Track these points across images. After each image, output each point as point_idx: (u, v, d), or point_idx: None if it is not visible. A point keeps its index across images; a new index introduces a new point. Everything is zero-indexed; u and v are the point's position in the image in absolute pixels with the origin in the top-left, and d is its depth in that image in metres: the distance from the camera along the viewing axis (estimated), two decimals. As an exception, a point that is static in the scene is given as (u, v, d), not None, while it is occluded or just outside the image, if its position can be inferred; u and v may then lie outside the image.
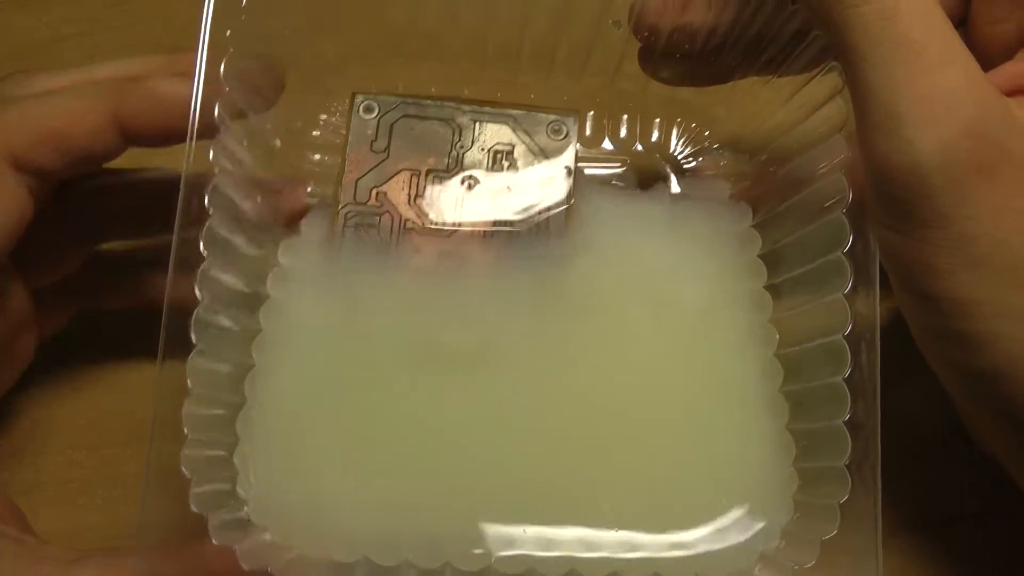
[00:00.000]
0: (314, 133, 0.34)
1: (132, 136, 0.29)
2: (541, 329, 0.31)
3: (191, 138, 0.27)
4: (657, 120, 0.35)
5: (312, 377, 0.30)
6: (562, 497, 0.29)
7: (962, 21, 0.30)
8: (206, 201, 0.27)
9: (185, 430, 0.26)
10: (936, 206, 0.24)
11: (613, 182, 0.34)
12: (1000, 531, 0.33)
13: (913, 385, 0.30)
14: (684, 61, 0.32)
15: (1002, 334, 0.25)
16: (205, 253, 0.26)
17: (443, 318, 0.31)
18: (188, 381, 0.26)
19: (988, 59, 0.28)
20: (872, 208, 0.27)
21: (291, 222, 0.32)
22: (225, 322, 0.28)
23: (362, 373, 0.30)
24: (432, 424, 0.29)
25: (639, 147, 0.35)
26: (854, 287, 0.28)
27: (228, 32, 0.28)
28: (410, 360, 0.30)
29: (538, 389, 0.30)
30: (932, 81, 0.24)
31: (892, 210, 0.25)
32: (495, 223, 0.32)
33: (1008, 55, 0.28)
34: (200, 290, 0.26)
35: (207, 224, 0.27)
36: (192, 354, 0.26)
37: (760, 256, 0.32)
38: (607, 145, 0.35)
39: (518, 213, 0.32)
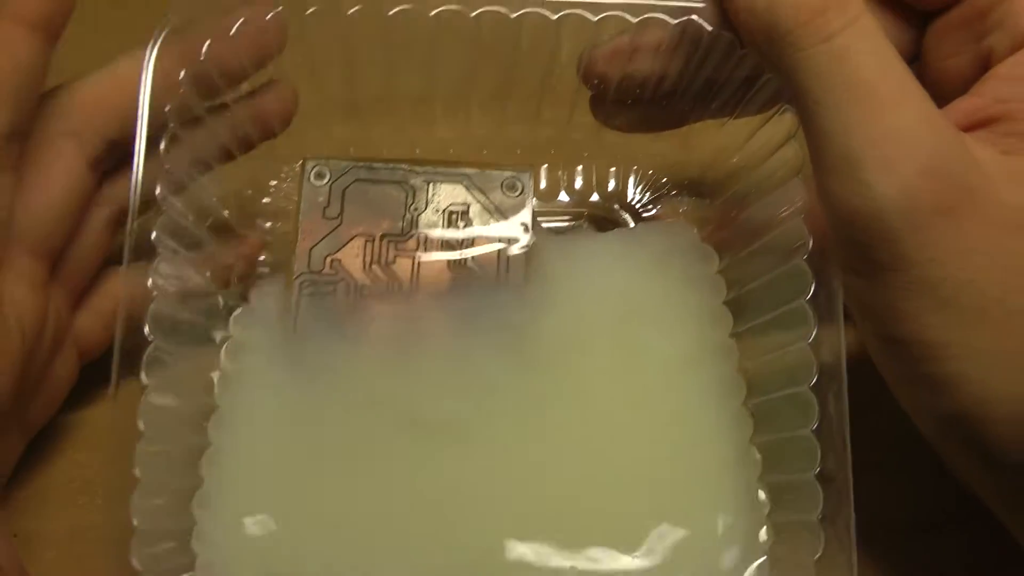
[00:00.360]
0: (264, 200, 0.33)
1: None
2: (505, 391, 0.30)
3: (132, 217, 0.27)
4: (613, 168, 0.34)
5: (270, 453, 0.29)
6: (533, 562, 0.28)
7: (915, 57, 0.30)
8: (150, 282, 0.27)
9: (135, 522, 0.26)
10: (898, 250, 0.24)
11: (571, 234, 0.33)
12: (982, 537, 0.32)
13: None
14: (636, 107, 0.31)
15: (969, 376, 0.24)
16: (151, 338, 0.26)
17: (406, 387, 0.30)
18: (136, 471, 0.26)
19: (943, 94, 0.28)
20: (835, 252, 0.26)
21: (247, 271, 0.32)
22: (171, 402, 0.28)
23: (322, 448, 0.29)
24: (398, 496, 0.29)
25: (596, 197, 0.34)
26: (819, 335, 0.27)
27: (167, 107, 0.27)
28: (372, 432, 0.29)
29: (506, 455, 0.29)
30: (886, 122, 0.24)
31: (854, 254, 0.25)
32: (453, 284, 0.31)
33: (963, 89, 0.28)
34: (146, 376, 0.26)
35: (151, 310, 0.26)
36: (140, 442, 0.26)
37: (725, 302, 0.31)
38: (563, 197, 0.34)
39: (476, 273, 0.31)
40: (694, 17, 0.28)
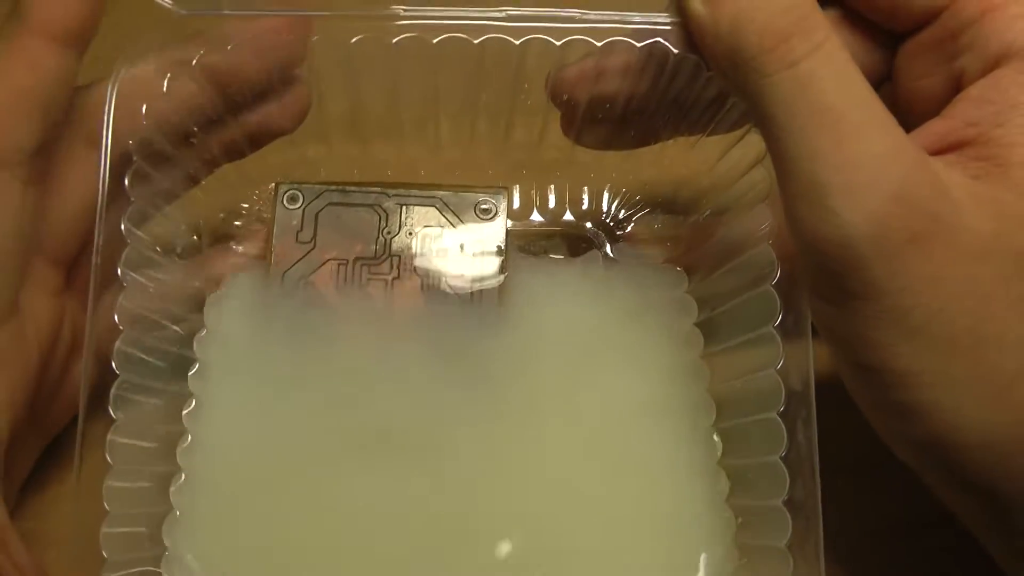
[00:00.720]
0: (236, 223, 0.33)
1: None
2: (475, 413, 0.30)
3: (96, 252, 0.27)
4: (586, 187, 0.34)
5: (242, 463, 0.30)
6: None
7: (887, 77, 0.29)
8: (116, 319, 0.27)
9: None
10: (868, 278, 0.24)
11: (544, 255, 0.33)
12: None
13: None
14: (605, 125, 0.31)
15: (942, 404, 0.24)
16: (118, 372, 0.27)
17: (375, 406, 0.30)
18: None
19: (915, 115, 0.28)
20: (803, 277, 0.26)
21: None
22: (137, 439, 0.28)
23: (285, 463, 0.30)
24: (359, 510, 0.29)
25: (569, 216, 0.34)
26: (787, 361, 0.27)
27: (131, 142, 0.27)
28: (337, 446, 0.30)
29: (472, 476, 0.29)
30: (853, 149, 0.24)
31: (823, 281, 0.25)
32: (426, 307, 0.31)
33: (935, 110, 0.27)
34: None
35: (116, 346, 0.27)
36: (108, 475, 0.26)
37: (697, 323, 0.31)
38: (536, 217, 0.34)
39: (449, 296, 0.31)
40: (660, 40, 0.27)
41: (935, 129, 0.27)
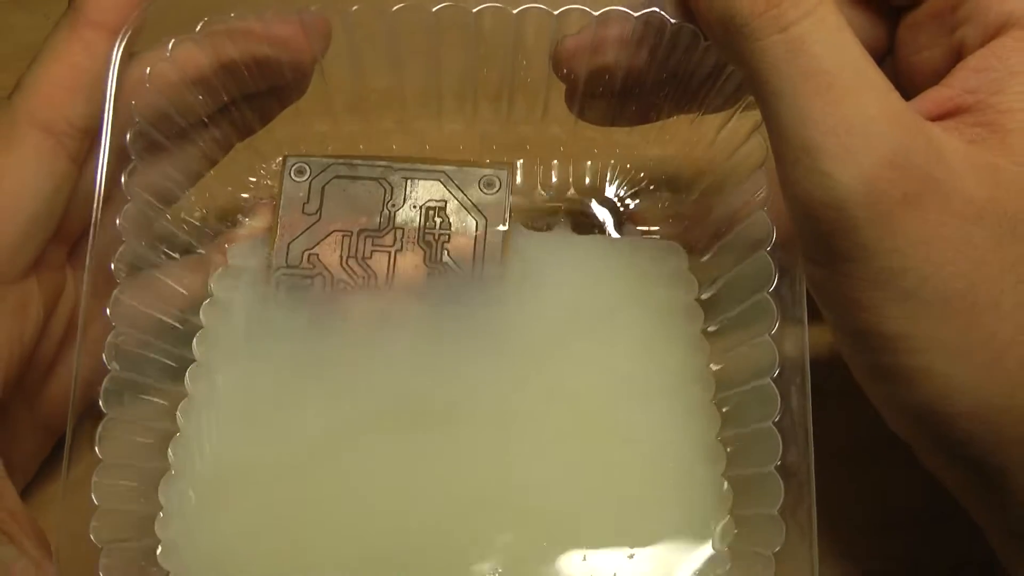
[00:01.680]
0: (243, 195, 0.34)
1: None
2: (475, 386, 0.30)
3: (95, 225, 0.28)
4: (590, 163, 0.34)
5: (240, 451, 0.30)
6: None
7: (889, 52, 0.29)
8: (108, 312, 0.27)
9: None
10: (860, 240, 0.24)
11: (548, 230, 0.33)
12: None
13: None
14: (605, 99, 0.31)
15: (933, 370, 0.24)
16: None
17: (380, 379, 0.30)
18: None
19: (916, 88, 0.27)
20: (798, 243, 0.26)
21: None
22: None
23: (291, 448, 0.30)
24: (370, 488, 0.29)
25: (573, 192, 0.34)
26: (782, 328, 0.27)
27: (133, 102, 0.28)
28: (346, 421, 0.30)
29: (472, 448, 0.30)
30: (845, 111, 0.24)
31: (816, 245, 0.25)
32: (429, 279, 0.31)
33: (936, 83, 0.27)
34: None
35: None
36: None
37: (697, 300, 0.31)
38: (541, 192, 0.34)
39: (451, 269, 0.31)
40: (656, 9, 0.28)
41: (933, 96, 0.26)
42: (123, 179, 0.28)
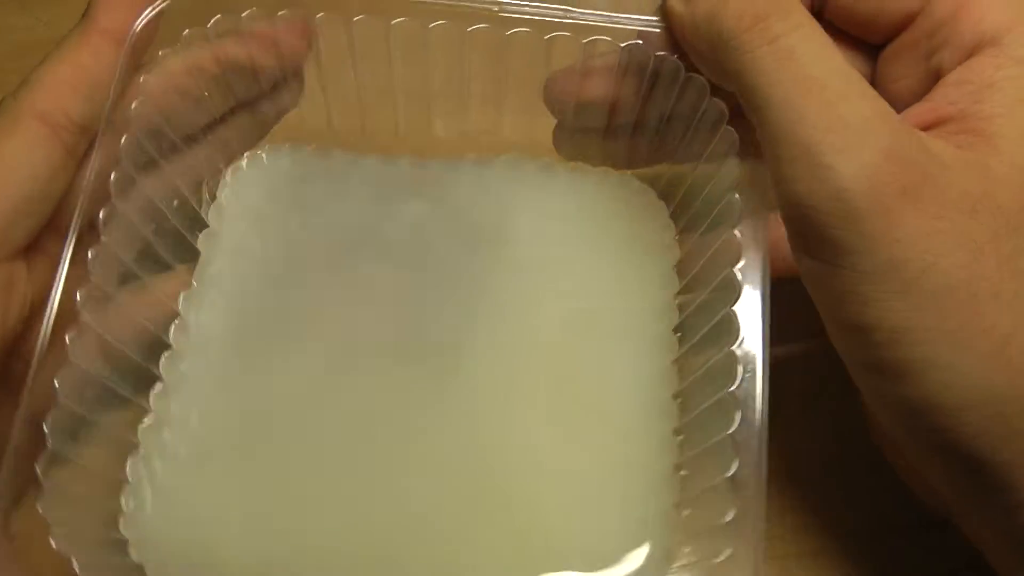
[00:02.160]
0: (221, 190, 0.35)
1: None
2: (441, 328, 0.32)
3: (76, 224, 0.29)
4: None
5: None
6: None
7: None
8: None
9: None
10: (863, 230, 0.24)
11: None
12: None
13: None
14: (593, 137, 0.33)
15: (934, 362, 0.24)
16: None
17: (343, 321, 0.32)
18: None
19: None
20: (794, 243, 0.26)
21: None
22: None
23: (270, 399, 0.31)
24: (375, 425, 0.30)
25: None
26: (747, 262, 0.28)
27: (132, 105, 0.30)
28: (326, 372, 0.31)
29: (437, 390, 0.31)
30: (842, 111, 0.24)
31: (815, 239, 0.25)
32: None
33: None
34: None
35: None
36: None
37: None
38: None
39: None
40: (639, 42, 0.29)
41: (916, 111, 0.27)
42: (111, 187, 0.29)
